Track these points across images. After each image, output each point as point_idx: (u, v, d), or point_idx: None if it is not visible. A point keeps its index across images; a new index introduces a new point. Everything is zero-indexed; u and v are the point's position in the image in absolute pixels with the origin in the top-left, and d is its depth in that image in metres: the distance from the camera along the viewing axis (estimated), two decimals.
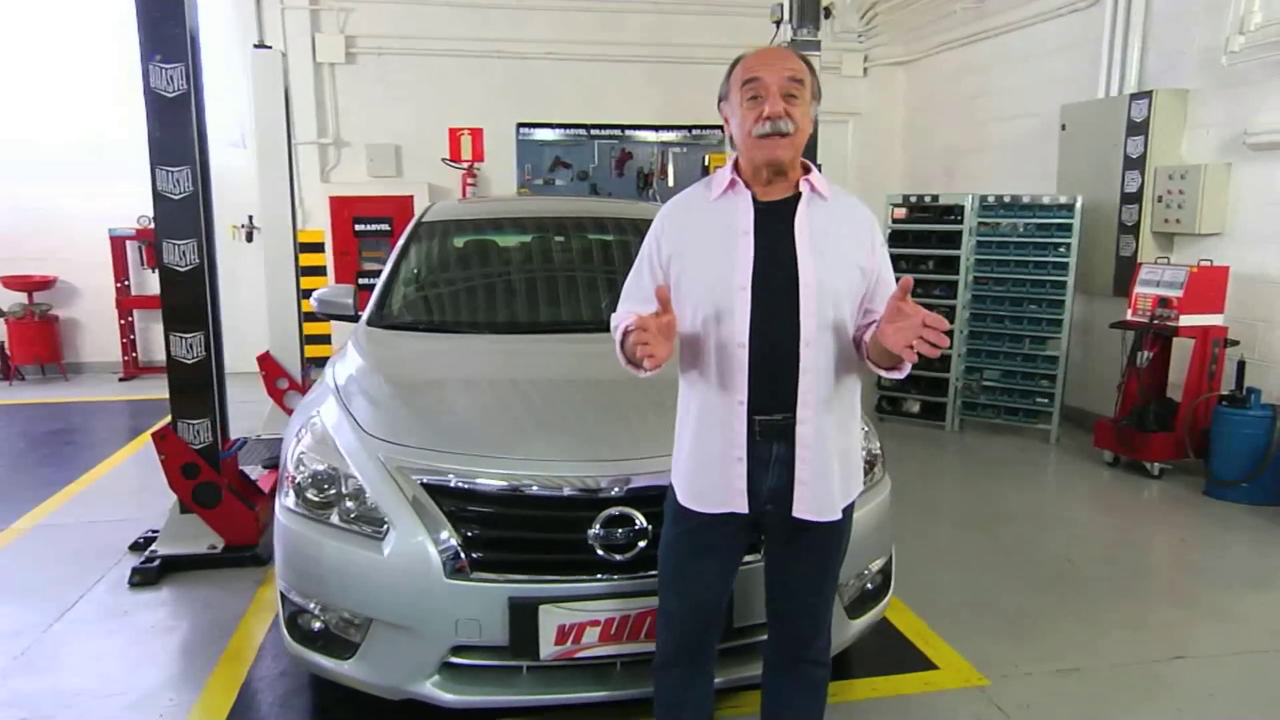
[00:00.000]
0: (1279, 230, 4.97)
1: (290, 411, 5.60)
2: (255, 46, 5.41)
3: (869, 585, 2.76)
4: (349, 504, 2.46)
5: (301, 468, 2.59)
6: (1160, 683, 2.95)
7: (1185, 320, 4.98)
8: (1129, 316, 5.30)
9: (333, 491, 2.52)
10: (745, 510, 1.95)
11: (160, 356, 8.27)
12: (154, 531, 4.01)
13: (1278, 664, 3.11)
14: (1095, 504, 4.86)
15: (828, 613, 2.16)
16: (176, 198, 3.63)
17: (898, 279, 1.89)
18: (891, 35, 8.76)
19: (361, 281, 6.53)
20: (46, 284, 7.92)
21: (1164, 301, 5.06)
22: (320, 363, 7.76)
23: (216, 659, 3.05)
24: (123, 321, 8.03)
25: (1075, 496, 4.96)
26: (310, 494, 2.54)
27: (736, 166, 1.98)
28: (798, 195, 1.94)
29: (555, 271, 3.93)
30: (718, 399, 1.94)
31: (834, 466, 1.96)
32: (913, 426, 6.29)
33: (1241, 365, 4.89)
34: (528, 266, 3.97)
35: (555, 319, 3.66)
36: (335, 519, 2.47)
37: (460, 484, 2.38)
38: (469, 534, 2.33)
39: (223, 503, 3.82)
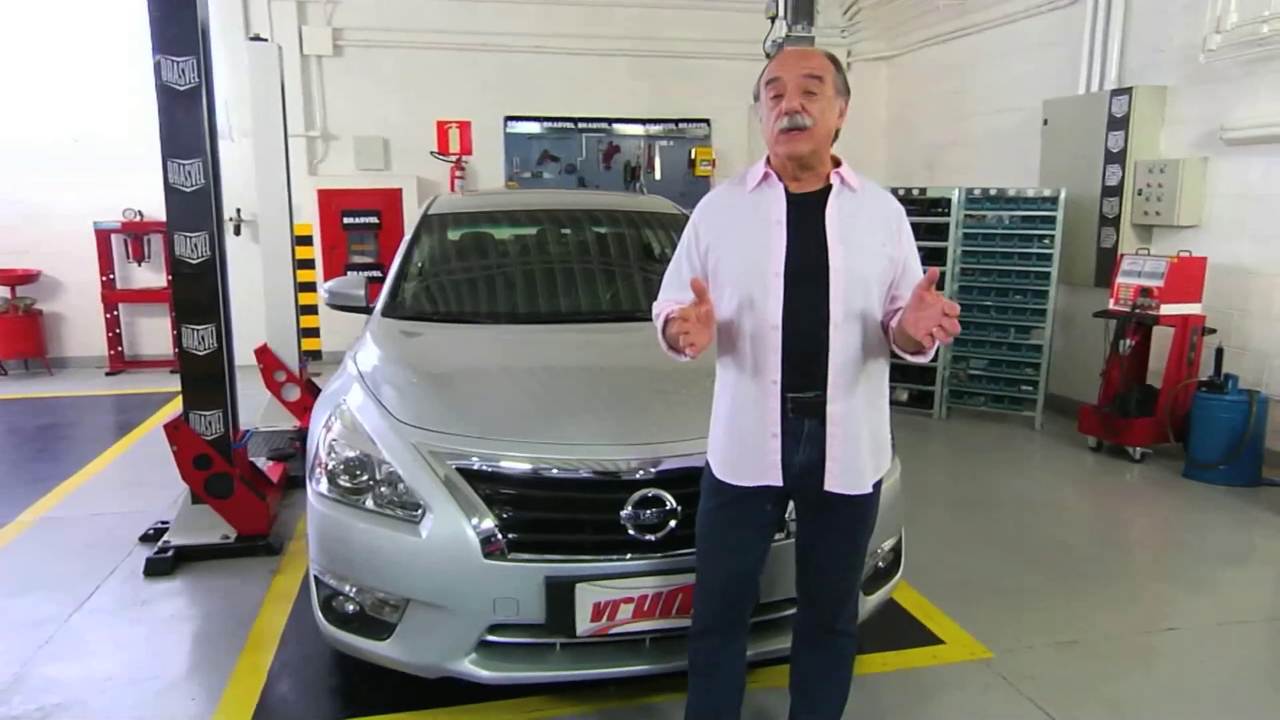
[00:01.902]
0: (1253, 222, 5.17)
1: (287, 404, 5.65)
2: (251, 39, 5.40)
3: (881, 564, 2.87)
4: (383, 489, 2.52)
5: (333, 454, 2.65)
6: (1155, 653, 3.11)
7: (1166, 309, 5.16)
8: (1111, 306, 5.47)
9: (365, 478, 2.58)
10: (780, 483, 2.06)
11: (146, 351, 8.26)
12: (163, 523, 4.04)
13: (1260, 633, 3.28)
14: (1081, 487, 5.04)
15: (855, 585, 2.27)
16: (188, 190, 3.66)
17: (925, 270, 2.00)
18: (874, 31, 8.91)
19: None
20: (30, 278, 7.83)
21: (1145, 291, 5.24)
22: (313, 355, 7.81)
23: (241, 645, 3.09)
24: (108, 315, 7.97)
25: (1062, 480, 5.13)
26: (343, 480, 2.60)
27: (769, 161, 2.08)
28: (829, 187, 2.04)
29: (566, 263, 3.99)
30: (753, 379, 2.04)
31: (864, 443, 2.07)
32: (901, 414, 6.42)
33: (1219, 352, 5.09)
34: (540, 258, 4.04)
35: (569, 309, 3.74)
36: (370, 504, 2.53)
37: (496, 468, 2.45)
38: (504, 516, 2.40)
39: (235, 493, 3.85)
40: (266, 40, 5.46)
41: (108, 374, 7.94)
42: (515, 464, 2.45)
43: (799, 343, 2.00)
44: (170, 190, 3.64)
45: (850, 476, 2.05)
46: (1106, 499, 4.85)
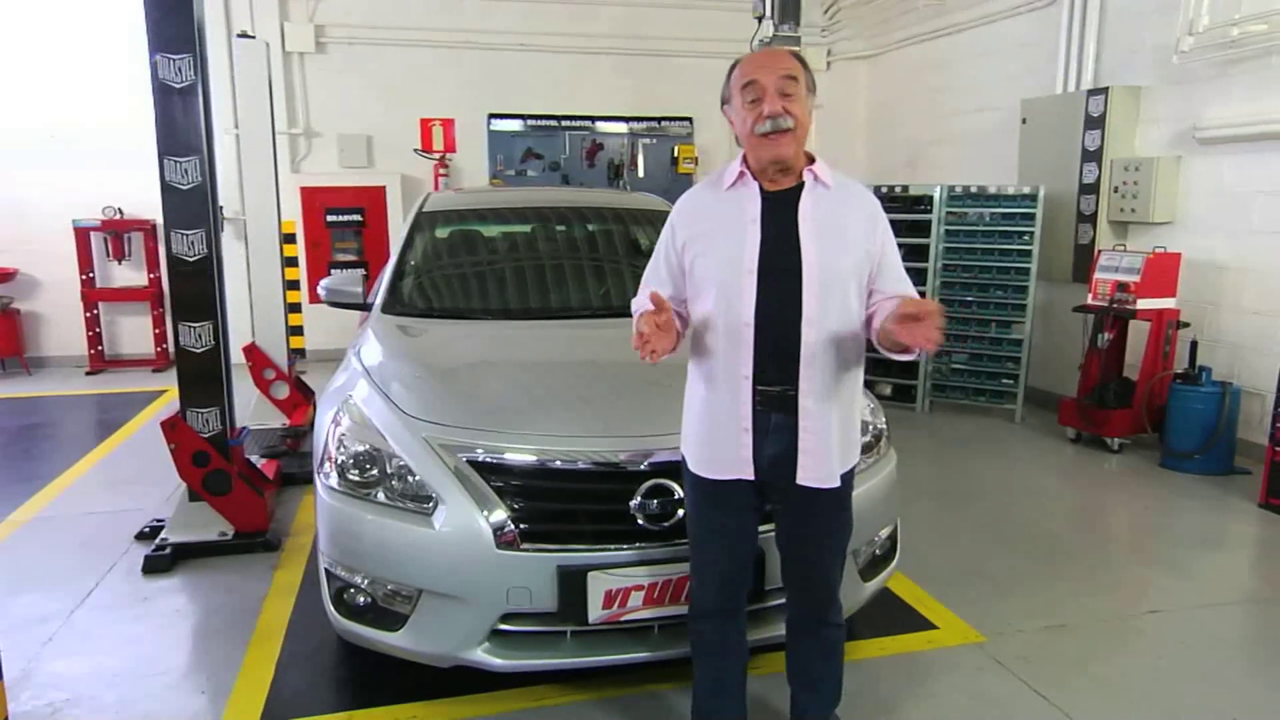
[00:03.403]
0: (1225, 219, 5.33)
1: (276, 402, 5.64)
2: (239, 36, 5.38)
3: (877, 551, 2.96)
4: (394, 483, 2.56)
5: (343, 448, 2.68)
6: (1140, 634, 3.22)
7: (1142, 304, 5.29)
8: (1089, 301, 5.61)
9: (374, 471, 2.61)
10: (752, 477, 2.13)
11: (126, 350, 8.19)
12: (159, 521, 4.03)
13: (1237, 614, 3.42)
14: (1063, 477, 5.17)
15: (837, 575, 2.32)
16: (185, 188, 3.66)
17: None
18: (854, 30, 9.02)
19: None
20: (7, 276, 7.73)
21: (1122, 286, 5.37)
22: (298, 353, 7.76)
23: (247, 639, 3.11)
24: (88, 314, 7.88)
25: (1044, 471, 5.26)
26: (353, 474, 2.63)
27: (745, 160, 2.13)
28: (802, 184, 2.10)
29: (562, 260, 4.05)
30: (725, 374, 2.11)
31: (834, 437, 2.12)
32: (884, 408, 6.50)
33: (1194, 345, 5.24)
34: (536, 255, 4.08)
35: (567, 305, 3.80)
36: (381, 496, 2.57)
37: (501, 460, 2.50)
38: (516, 507, 2.45)
39: (233, 490, 3.86)
40: (254, 37, 5.44)
41: (88, 373, 7.85)
42: (520, 456, 2.50)
43: (772, 338, 2.06)
44: (167, 188, 3.64)
45: (822, 470, 2.11)
46: (1087, 488, 4.98)
